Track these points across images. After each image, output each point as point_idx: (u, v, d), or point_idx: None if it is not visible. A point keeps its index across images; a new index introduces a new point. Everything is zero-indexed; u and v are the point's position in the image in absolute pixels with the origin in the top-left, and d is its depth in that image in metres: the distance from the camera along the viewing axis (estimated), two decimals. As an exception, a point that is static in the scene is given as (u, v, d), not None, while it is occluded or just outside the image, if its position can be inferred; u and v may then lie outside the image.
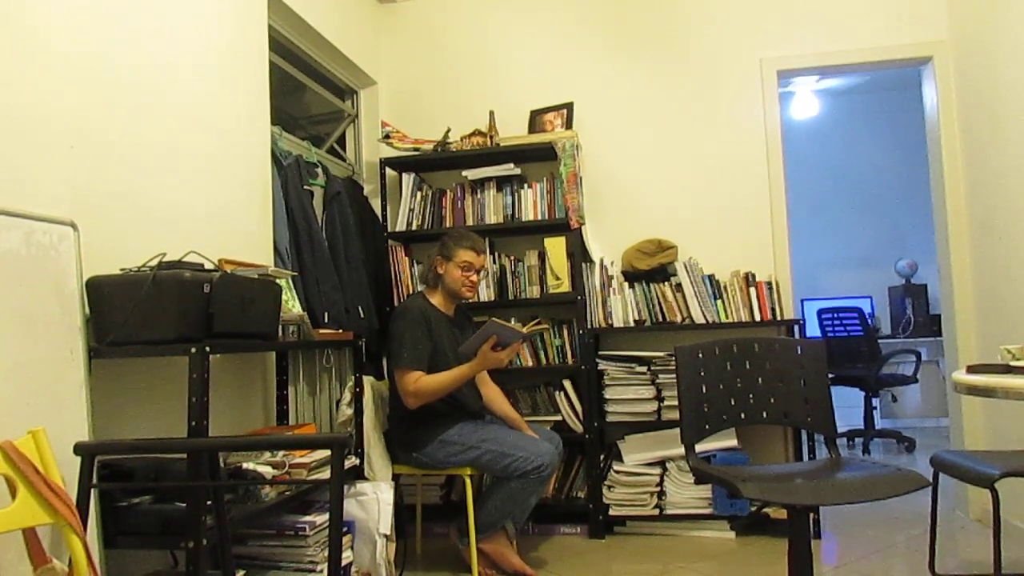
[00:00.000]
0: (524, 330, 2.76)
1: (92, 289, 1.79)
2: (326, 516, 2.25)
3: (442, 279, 3.01)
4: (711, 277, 3.47)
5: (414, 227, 3.71)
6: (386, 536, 2.44)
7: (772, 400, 2.37)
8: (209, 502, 1.71)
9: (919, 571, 2.75)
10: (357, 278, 3.22)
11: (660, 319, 3.49)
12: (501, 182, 3.69)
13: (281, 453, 2.16)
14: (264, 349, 2.54)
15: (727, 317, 3.44)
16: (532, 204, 3.63)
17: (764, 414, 2.36)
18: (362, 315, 3.17)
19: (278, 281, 2.22)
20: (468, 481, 2.84)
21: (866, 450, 5.32)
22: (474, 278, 3.01)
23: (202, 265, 1.91)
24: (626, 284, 3.53)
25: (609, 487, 3.39)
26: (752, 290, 3.43)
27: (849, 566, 2.86)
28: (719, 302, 3.46)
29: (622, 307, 3.50)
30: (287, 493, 2.12)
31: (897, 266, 6.42)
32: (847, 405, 5.45)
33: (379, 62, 4.02)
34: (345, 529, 2.35)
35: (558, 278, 3.52)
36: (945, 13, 3.55)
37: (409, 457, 2.92)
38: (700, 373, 2.32)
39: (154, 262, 1.83)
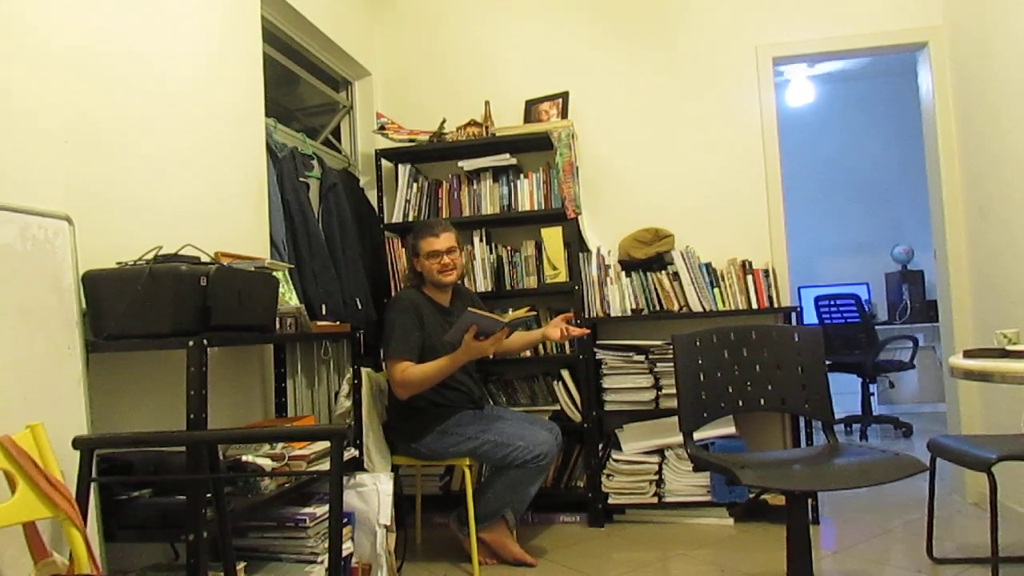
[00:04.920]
0: (506, 319, 2.73)
1: (89, 283, 1.78)
2: (326, 507, 2.25)
3: (422, 275, 3.01)
4: (708, 265, 3.47)
5: (410, 218, 3.70)
6: (386, 527, 2.44)
7: (770, 387, 2.38)
8: (209, 495, 1.71)
9: (917, 555, 2.76)
10: (354, 270, 3.22)
11: (657, 308, 3.49)
12: (497, 172, 3.68)
13: (280, 445, 2.16)
14: (262, 342, 2.54)
15: (724, 305, 3.45)
16: (528, 194, 3.63)
17: (762, 401, 2.37)
18: (360, 307, 3.17)
19: (275, 274, 2.22)
20: (467, 471, 2.85)
21: (863, 436, 5.34)
22: (445, 260, 2.96)
23: (198, 258, 1.91)
24: (623, 273, 3.53)
25: (608, 476, 3.40)
26: (749, 278, 3.43)
27: (847, 551, 2.87)
28: (716, 290, 3.46)
29: (619, 296, 3.50)
30: (287, 485, 2.12)
31: (893, 252, 6.43)
32: (844, 391, 5.45)
33: (373, 53, 4.00)
34: (345, 520, 2.35)
35: (555, 268, 3.52)
36: (940, -2, 3.54)
37: (408, 448, 2.93)
38: (698, 361, 2.33)
39: (150, 255, 1.83)
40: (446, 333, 2.86)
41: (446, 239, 2.97)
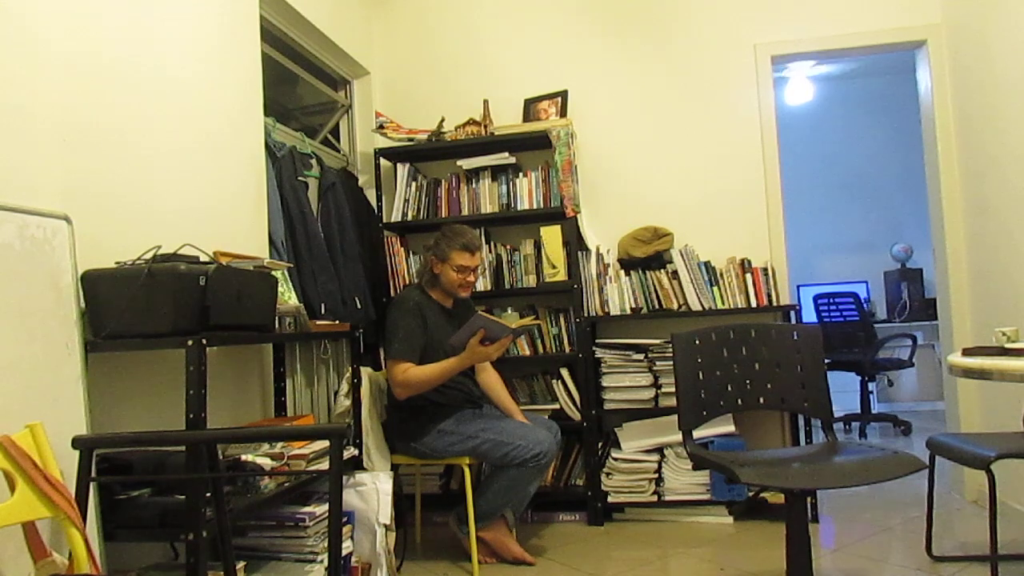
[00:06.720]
0: (514, 325, 2.74)
1: (87, 283, 1.78)
2: (325, 507, 2.25)
3: (438, 278, 3.00)
4: (707, 264, 3.47)
5: (409, 217, 3.70)
6: (386, 526, 2.44)
7: (769, 385, 2.38)
8: (208, 494, 1.71)
9: (916, 553, 2.77)
10: (353, 269, 3.22)
11: (656, 306, 3.49)
12: (496, 171, 3.68)
13: (280, 444, 2.16)
14: (261, 341, 2.53)
15: (723, 304, 3.45)
16: (527, 193, 3.63)
17: (761, 399, 2.37)
18: (359, 306, 3.17)
19: (274, 273, 2.22)
20: (467, 470, 2.85)
21: (863, 434, 5.35)
22: (471, 278, 3.00)
23: (197, 258, 1.91)
24: (622, 272, 3.53)
25: (607, 474, 3.40)
26: (748, 276, 3.43)
27: (846, 549, 2.88)
28: (715, 289, 3.46)
29: (618, 295, 3.50)
30: (286, 484, 2.12)
31: (892, 250, 6.43)
32: (843, 390, 5.47)
33: (372, 52, 4.00)
34: (345, 519, 2.35)
35: (554, 267, 3.51)
36: (939, -4, 3.55)
37: (407, 447, 2.93)
38: (697, 360, 2.33)
39: (149, 255, 1.82)
40: (448, 334, 2.87)
41: (478, 257, 3.00)
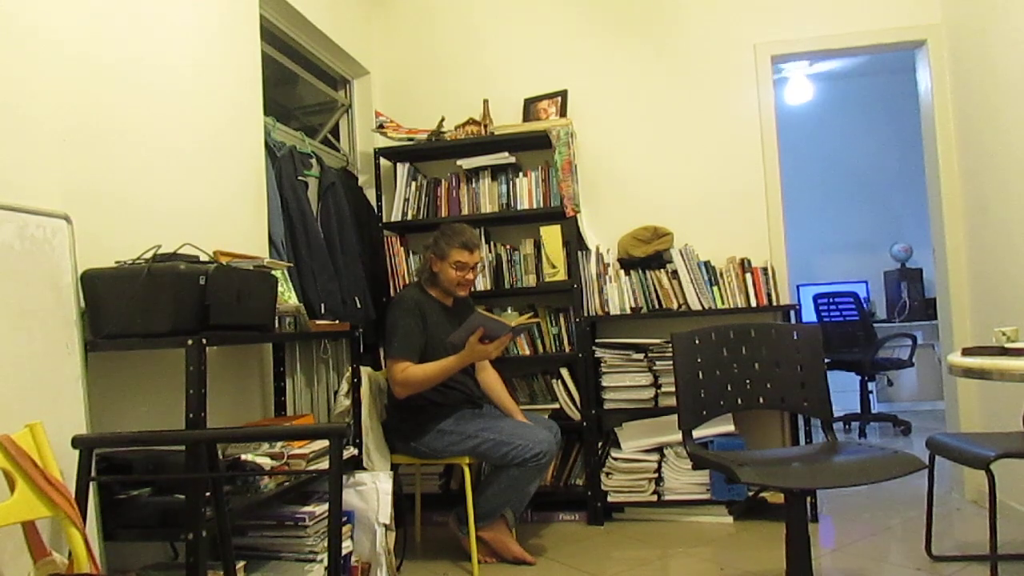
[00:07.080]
0: (512, 323, 2.74)
1: (87, 282, 1.78)
2: (325, 506, 2.25)
3: (437, 277, 3.00)
4: (707, 263, 3.47)
5: (409, 217, 3.70)
6: (385, 525, 2.44)
7: (769, 385, 2.38)
8: (208, 494, 1.71)
9: (916, 553, 2.77)
10: (353, 269, 3.22)
11: (656, 306, 3.49)
12: (496, 171, 3.68)
13: (280, 444, 2.16)
14: (261, 341, 2.54)
15: (723, 303, 3.45)
16: (527, 193, 3.63)
17: (761, 399, 2.38)
18: (359, 306, 3.17)
19: (274, 273, 2.22)
20: (467, 470, 2.85)
21: (862, 434, 5.35)
22: (469, 276, 3.00)
23: (197, 257, 1.91)
24: (622, 271, 3.53)
25: (607, 474, 3.40)
26: (748, 276, 3.43)
27: (846, 549, 2.88)
28: (715, 288, 3.46)
29: (618, 294, 3.50)
30: (286, 484, 2.12)
31: (892, 250, 6.43)
32: (843, 389, 5.47)
33: (372, 51, 4.00)
34: (344, 519, 2.35)
35: (554, 266, 3.51)
36: (939, -4, 3.54)
37: (407, 447, 2.93)
38: (697, 359, 2.33)
39: (149, 255, 1.82)
40: (448, 332, 2.87)
41: (477, 255, 3.00)
